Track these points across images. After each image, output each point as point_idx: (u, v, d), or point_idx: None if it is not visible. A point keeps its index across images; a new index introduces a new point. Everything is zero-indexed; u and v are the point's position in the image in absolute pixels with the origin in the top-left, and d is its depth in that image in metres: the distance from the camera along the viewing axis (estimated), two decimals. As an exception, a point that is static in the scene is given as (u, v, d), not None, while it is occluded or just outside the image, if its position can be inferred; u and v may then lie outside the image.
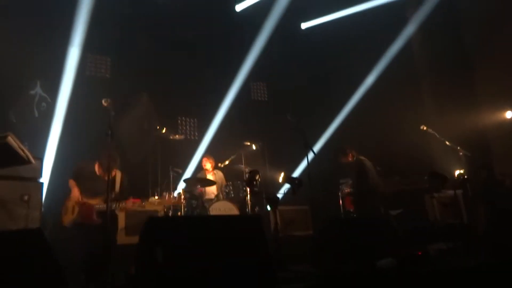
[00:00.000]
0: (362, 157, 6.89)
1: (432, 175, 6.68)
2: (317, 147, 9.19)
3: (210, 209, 6.59)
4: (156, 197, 5.47)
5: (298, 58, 10.01)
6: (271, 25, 9.57)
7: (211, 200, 7.00)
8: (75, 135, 7.16)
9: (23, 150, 3.69)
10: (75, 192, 5.14)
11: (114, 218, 5.26)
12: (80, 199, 5.10)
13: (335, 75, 9.82)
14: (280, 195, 6.41)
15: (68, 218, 5.09)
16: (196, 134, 9.25)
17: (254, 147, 7.82)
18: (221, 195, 7.08)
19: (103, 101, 4.59)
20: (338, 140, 8.00)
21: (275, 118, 8.89)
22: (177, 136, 7.36)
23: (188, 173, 8.14)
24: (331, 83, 9.92)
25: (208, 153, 7.94)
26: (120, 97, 7.37)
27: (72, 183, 5.26)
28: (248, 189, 6.41)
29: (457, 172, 7.39)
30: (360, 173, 6.75)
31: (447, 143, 7.35)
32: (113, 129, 4.57)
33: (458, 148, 7.35)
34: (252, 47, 9.54)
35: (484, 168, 7.89)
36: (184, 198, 6.43)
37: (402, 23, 10.16)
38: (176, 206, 6.33)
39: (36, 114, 7.52)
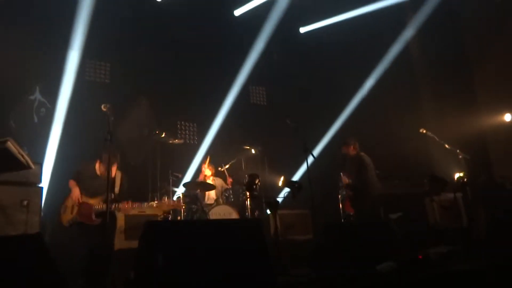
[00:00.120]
0: (363, 153, 6.90)
1: (432, 178, 6.70)
2: (316, 151, 9.19)
3: (210, 213, 6.58)
4: (156, 202, 5.44)
5: (297, 62, 10.03)
6: (270, 30, 9.59)
7: (210, 204, 6.99)
8: (75, 140, 7.16)
9: (22, 155, 3.69)
10: (76, 192, 5.12)
11: (113, 218, 5.24)
12: (80, 199, 5.10)
13: (334, 79, 9.83)
14: (280, 199, 6.41)
15: (67, 218, 5.08)
16: (196, 138, 9.25)
17: (253, 151, 7.83)
18: (220, 200, 7.08)
19: (102, 106, 4.60)
20: (338, 143, 7.97)
21: (275, 122, 8.89)
22: (176, 140, 7.37)
23: (187, 178, 8.13)
24: (330, 87, 9.93)
25: (207, 159, 7.94)
26: (120, 102, 7.38)
27: (72, 183, 5.25)
28: (247, 193, 6.41)
29: (456, 175, 7.39)
30: (359, 167, 6.76)
31: (447, 146, 7.36)
32: (112, 134, 4.58)
33: (458, 151, 7.36)
34: (251, 52, 9.56)
35: (483, 171, 7.90)
36: (184, 203, 6.43)
37: (400, 26, 10.19)
38: (175, 210, 6.31)
39: (36, 119, 7.51)
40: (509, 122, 8.93)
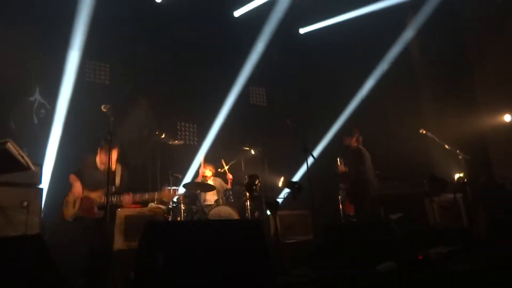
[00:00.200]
0: (364, 148, 6.95)
1: (432, 179, 6.70)
2: (316, 152, 9.19)
3: (210, 214, 6.57)
4: (157, 192, 5.44)
5: (297, 63, 10.03)
6: (270, 30, 9.60)
7: (210, 205, 6.99)
8: (75, 141, 7.15)
9: (22, 156, 3.69)
10: (77, 187, 5.15)
11: (114, 211, 5.24)
12: (81, 193, 5.11)
13: (334, 80, 9.83)
14: (280, 199, 6.40)
15: (70, 212, 5.10)
16: (196, 139, 9.25)
17: (253, 152, 7.82)
18: (220, 200, 7.07)
19: (102, 107, 4.60)
20: (338, 144, 7.98)
21: (274, 123, 8.89)
22: (176, 141, 7.36)
23: (187, 178, 8.13)
24: (330, 88, 9.93)
25: (207, 159, 7.95)
26: (120, 102, 7.37)
27: (73, 177, 5.27)
28: (247, 194, 6.41)
29: (456, 176, 7.40)
30: (357, 158, 6.81)
31: (447, 146, 7.37)
32: (112, 134, 4.60)
33: (458, 151, 7.37)
34: (250, 52, 9.57)
35: (483, 171, 7.91)
36: (184, 203, 6.43)
37: (400, 27, 10.20)
38: (175, 211, 6.31)
39: (35, 120, 7.51)
40: (509, 122, 8.93)
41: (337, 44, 9.70)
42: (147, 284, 2.90)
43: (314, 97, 10.00)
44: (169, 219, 6.04)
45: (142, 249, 3.13)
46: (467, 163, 7.42)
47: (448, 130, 8.32)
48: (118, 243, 5.65)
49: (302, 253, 5.73)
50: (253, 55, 9.57)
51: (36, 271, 2.91)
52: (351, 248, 4.15)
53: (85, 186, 5.18)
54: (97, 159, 5.37)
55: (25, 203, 5.05)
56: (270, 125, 9.32)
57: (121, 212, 5.84)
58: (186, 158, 8.51)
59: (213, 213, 6.59)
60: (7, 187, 4.99)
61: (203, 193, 7.33)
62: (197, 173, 7.91)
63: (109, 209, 4.48)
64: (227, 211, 6.67)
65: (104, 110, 4.59)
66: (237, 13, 9.77)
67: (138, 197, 5.24)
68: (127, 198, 5.18)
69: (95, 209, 5.07)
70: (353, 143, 6.99)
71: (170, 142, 7.15)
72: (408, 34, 10.10)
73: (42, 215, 5.35)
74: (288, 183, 5.71)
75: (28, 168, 3.85)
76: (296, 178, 8.82)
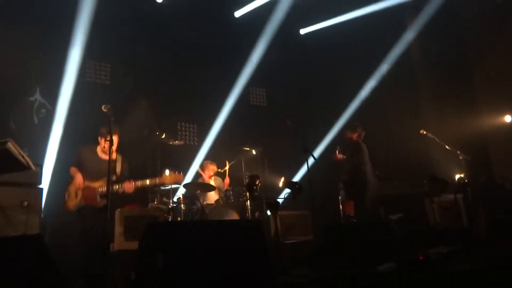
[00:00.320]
0: (363, 143, 6.98)
1: (432, 179, 6.70)
2: (317, 152, 9.18)
3: (210, 214, 6.57)
4: (158, 177, 5.41)
5: (297, 64, 10.03)
6: (270, 31, 9.60)
7: (211, 205, 6.99)
8: (75, 141, 7.14)
9: (23, 156, 3.68)
10: (79, 178, 5.15)
11: (116, 198, 5.25)
12: (83, 184, 5.12)
13: (334, 80, 9.83)
14: (280, 200, 6.40)
15: (72, 203, 5.11)
16: (196, 139, 9.26)
17: (253, 152, 7.82)
18: (221, 201, 7.07)
19: (102, 107, 4.60)
20: (339, 143, 7.98)
21: (275, 124, 8.90)
22: (176, 141, 7.36)
23: (187, 179, 8.14)
24: (330, 88, 9.93)
25: (209, 158, 7.96)
26: (120, 103, 7.37)
27: (73, 170, 5.28)
28: (248, 194, 6.41)
29: (457, 176, 7.40)
30: (356, 150, 6.84)
31: (447, 147, 7.38)
32: (112, 134, 4.60)
33: (458, 152, 7.38)
34: (251, 53, 9.57)
35: (484, 171, 7.90)
36: (184, 203, 6.43)
37: (401, 28, 10.20)
38: (175, 211, 6.31)
39: (36, 120, 7.51)
40: (509, 123, 8.93)
41: (338, 44, 9.70)
42: (148, 285, 2.90)
43: (314, 97, 10.01)
44: (169, 219, 6.05)
45: (142, 249, 3.13)
46: (467, 164, 7.43)
47: (448, 131, 8.32)
48: (119, 243, 5.66)
49: (302, 254, 5.74)
50: (254, 55, 9.57)
51: (36, 271, 2.91)
52: (351, 248, 4.15)
53: (86, 176, 5.19)
54: (98, 148, 5.38)
55: (25, 203, 5.06)
56: (270, 126, 9.32)
57: (121, 213, 5.86)
58: (186, 158, 8.51)
59: (213, 213, 6.59)
60: (7, 187, 4.99)
61: (203, 193, 7.33)
62: (198, 172, 7.92)
63: (112, 198, 4.49)
64: (227, 211, 6.67)
65: (105, 110, 4.58)
66: (237, 14, 9.77)
67: (139, 183, 5.24)
68: (128, 185, 5.18)
69: (98, 198, 5.09)
70: (355, 137, 7.00)
71: (170, 142, 7.15)
72: (408, 35, 10.09)
73: (42, 215, 5.35)
74: (288, 183, 5.71)
75: (29, 168, 3.84)
76: (296, 178, 8.81)
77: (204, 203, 7.17)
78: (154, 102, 8.62)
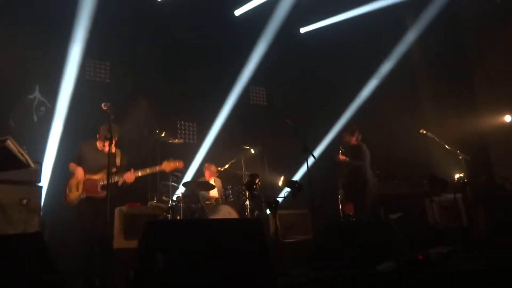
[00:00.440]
0: (364, 145, 6.99)
1: (432, 179, 6.69)
2: (316, 151, 9.17)
3: (209, 213, 6.57)
4: (157, 166, 5.42)
5: (297, 63, 10.01)
6: (270, 30, 9.58)
7: (210, 204, 6.99)
8: (75, 139, 7.13)
9: (22, 154, 3.67)
10: (79, 171, 5.17)
11: (117, 190, 5.28)
12: (83, 177, 5.14)
13: (335, 79, 9.82)
14: (280, 199, 6.40)
15: (74, 196, 5.11)
16: (196, 138, 9.25)
17: (253, 151, 7.81)
18: (220, 199, 7.07)
19: (102, 105, 4.59)
20: (339, 144, 7.98)
21: (275, 123, 8.89)
22: (176, 140, 7.35)
23: (187, 177, 8.13)
24: (330, 87, 9.92)
25: (209, 159, 7.96)
26: (120, 101, 7.35)
27: (73, 165, 5.29)
28: (247, 193, 6.40)
29: (457, 176, 7.39)
30: (357, 154, 6.85)
31: (447, 147, 7.37)
32: (112, 132, 4.60)
33: (458, 152, 7.37)
34: (251, 52, 9.56)
35: (483, 171, 7.90)
36: (183, 202, 6.43)
37: (401, 27, 10.19)
38: (175, 209, 6.31)
39: (35, 118, 7.50)
40: (509, 123, 8.92)
41: (338, 43, 9.68)
42: (147, 283, 2.89)
43: (314, 96, 9.99)
44: (169, 218, 6.05)
45: (142, 248, 3.13)
46: (467, 163, 7.42)
47: (448, 130, 8.32)
48: (118, 241, 5.66)
49: (302, 253, 5.73)
50: (253, 54, 9.56)
51: (36, 269, 2.90)
52: (351, 248, 4.15)
53: (86, 170, 5.20)
54: (97, 142, 5.40)
55: (25, 201, 5.05)
56: (270, 125, 9.31)
57: (120, 211, 5.86)
58: (186, 157, 8.48)
59: (213, 212, 6.59)
60: (6, 184, 4.99)
61: (203, 191, 7.33)
62: (198, 171, 7.91)
63: (113, 190, 4.59)
64: (227, 210, 6.66)
65: (104, 108, 4.57)
66: (237, 12, 9.76)
67: (139, 172, 5.26)
68: (128, 175, 5.20)
69: (99, 189, 5.12)
70: (353, 141, 7.02)
71: (170, 141, 7.14)
72: (408, 34, 10.08)
73: (41, 213, 5.34)
74: (288, 182, 5.70)
75: (28, 165, 3.83)
76: (296, 177, 8.81)
77: (204, 202, 7.17)
78: (154, 100, 8.60)
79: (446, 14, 9.62)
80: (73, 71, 7.61)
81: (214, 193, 7.38)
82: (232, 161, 7.64)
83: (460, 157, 7.37)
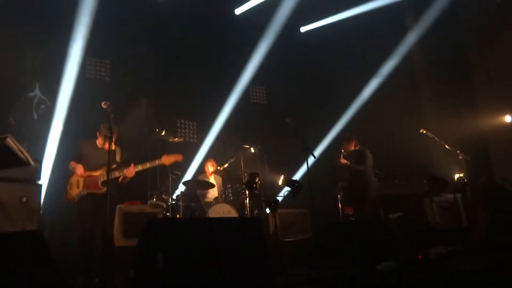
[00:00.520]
0: (366, 149, 7.02)
1: (431, 179, 6.69)
2: (317, 151, 9.16)
3: (209, 211, 6.57)
4: (157, 160, 5.46)
5: (298, 62, 10.00)
6: (271, 28, 9.57)
7: (210, 202, 6.98)
8: (75, 137, 7.12)
9: (22, 151, 3.67)
10: (79, 168, 5.19)
11: (117, 185, 5.32)
12: (84, 174, 5.17)
13: (335, 79, 9.82)
14: (279, 198, 6.40)
15: (75, 192, 5.15)
16: (195, 137, 9.24)
17: (253, 150, 7.81)
18: (220, 198, 7.07)
19: (102, 103, 4.59)
20: (339, 143, 7.99)
21: (275, 122, 8.89)
22: (176, 138, 7.34)
23: (187, 176, 8.13)
24: (331, 87, 9.91)
25: (210, 156, 7.95)
26: (120, 100, 7.35)
27: (73, 163, 5.32)
28: (247, 192, 6.40)
29: (456, 176, 7.39)
30: (360, 157, 6.90)
31: (447, 146, 7.37)
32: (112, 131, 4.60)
33: (458, 152, 7.37)
34: (251, 50, 9.55)
35: (483, 172, 7.90)
36: (183, 201, 6.42)
37: (402, 27, 10.18)
38: (174, 208, 6.30)
39: (35, 116, 7.50)
40: (509, 123, 8.92)
41: (338, 42, 9.69)
42: (147, 282, 2.88)
43: (314, 95, 9.98)
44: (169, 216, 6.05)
45: (142, 247, 3.12)
46: (467, 164, 7.42)
47: (448, 130, 8.31)
48: (118, 240, 5.66)
49: (301, 252, 5.73)
50: (254, 53, 9.55)
51: (35, 267, 2.89)
52: (351, 247, 4.14)
53: (87, 167, 5.23)
54: (98, 141, 5.43)
55: (24, 199, 5.05)
56: (270, 124, 9.31)
57: (120, 209, 5.85)
58: (185, 155, 8.45)
59: (212, 211, 6.59)
60: (6, 182, 4.98)
61: (203, 190, 7.32)
62: (197, 170, 7.90)
63: (113, 185, 4.61)
64: (226, 209, 6.66)
65: (104, 106, 4.57)
66: (238, 11, 9.74)
67: (140, 166, 5.30)
68: (128, 170, 5.23)
69: (100, 184, 5.14)
70: (353, 148, 7.09)
71: (170, 140, 7.13)
72: (409, 34, 10.08)
73: (41, 211, 5.34)
74: (288, 182, 5.70)
75: (28, 163, 3.83)
76: (296, 177, 8.80)
77: (203, 200, 7.17)
78: (154, 99, 8.59)
79: (446, 14, 9.62)
80: (73, 69, 7.61)
81: (214, 191, 7.37)
82: (232, 160, 7.63)
83: (460, 157, 7.37)
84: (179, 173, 7.05)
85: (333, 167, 7.41)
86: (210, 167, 7.52)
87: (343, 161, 6.97)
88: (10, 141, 3.52)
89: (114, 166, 5.13)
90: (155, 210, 6.22)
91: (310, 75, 10.09)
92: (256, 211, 6.94)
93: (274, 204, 5.29)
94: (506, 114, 8.94)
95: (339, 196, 7.70)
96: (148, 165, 5.37)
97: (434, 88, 10.09)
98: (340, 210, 7.66)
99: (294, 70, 9.97)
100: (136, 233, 5.13)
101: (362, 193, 6.79)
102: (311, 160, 6.04)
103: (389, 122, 9.19)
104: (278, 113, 8.83)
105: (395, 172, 7.69)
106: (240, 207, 6.80)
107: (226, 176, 7.71)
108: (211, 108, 9.12)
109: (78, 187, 5.14)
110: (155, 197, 6.61)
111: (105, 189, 4.98)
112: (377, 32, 9.58)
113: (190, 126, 9.29)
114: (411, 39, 10.06)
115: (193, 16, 8.94)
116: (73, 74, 7.58)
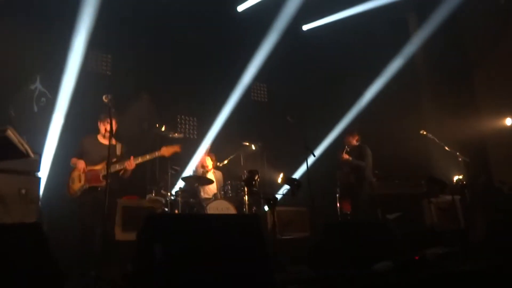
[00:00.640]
0: (366, 146, 7.09)
1: (431, 180, 6.70)
2: (316, 150, 9.15)
3: (208, 207, 6.56)
4: (157, 152, 5.55)
5: (299, 60, 9.99)
6: (273, 26, 9.55)
7: (209, 199, 6.98)
8: (75, 130, 7.13)
9: (22, 143, 3.66)
10: (81, 163, 5.30)
11: (118, 178, 5.39)
12: (85, 168, 5.26)
13: (336, 77, 9.81)
14: (278, 195, 6.40)
15: (77, 187, 5.27)
16: (196, 133, 9.24)
17: (253, 147, 7.81)
18: (219, 194, 7.07)
19: (103, 97, 4.60)
20: (339, 143, 7.99)
21: (275, 119, 8.89)
22: (176, 134, 7.33)
23: (187, 172, 8.12)
24: (332, 85, 9.91)
25: (210, 150, 7.92)
26: (121, 94, 7.34)
27: (74, 159, 5.42)
28: (246, 189, 6.40)
29: (455, 178, 7.40)
30: (360, 153, 6.98)
31: (447, 148, 7.37)
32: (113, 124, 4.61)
33: (457, 153, 7.37)
34: (253, 48, 9.53)
35: (482, 174, 7.90)
36: (182, 196, 6.43)
37: (404, 28, 10.16)
38: (173, 203, 6.31)
39: (36, 109, 7.49)
40: (509, 126, 8.90)
41: (340, 41, 9.66)
42: (145, 277, 2.89)
43: (315, 93, 9.98)
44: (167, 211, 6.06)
45: (141, 242, 3.12)
46: (466, 165, 7.43)
47: (448, 132, 8.30)
48: (117, 234, 5.66)
49: (299, 249, 5.74)
50: (255, 50, 9.53)
51: (33, 259, 2.89)
52: (350, 247, 4.15)
53: (88, 162, 5.33)
54: (99, 136, 5.54)
55: (23, 191, 5.03)
56: (271, 121, 9.30)
57: (119, 203, 5.86)
58: (185, 151, 8.46)
59: (211, 207, 6.59)
60: (5, 174, 4.96)
61: (202, 186, 7.31)
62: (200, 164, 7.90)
63: (114, 178, 4.67)
64: (225, 206, 6.67)
65: (106, 100, 4.59)
66: (240, 8, 9.72)
67: (140, 158, 5.37)
68: (129, 162, 5.31)
69: (101, 177, 5.23)
70: (354, 142, 7.16)
71: (170, 135, 7.13)
72: (411, 35, 10.06)
73: (40, 204, 5.33)
74: (287, 180, 5.71)
75: (28, 155, 3.81)
76: (295, 175, 8.80)
77: (202, 196, 7.16)
78: (155, 94, 8.58)
79: (448, 20, 9.59)
80: (75, 63, 7.58)
81: (213, 187, 7.36)
82: (232, 156, 7.63)
83: (460, 159, 7.37)
84: (178, 168, 7.06)
85: (336, 161, 7.41)
86: (209, 161, 7.47)
87: (346, 156, 6.98)
88: (11, 133, 3.51)
89: (114, 159, 5.16)
90: (154, 205, 6.23)
91: (311, 73, 10.08)
92: (254, 208, 6.95)
93: (272, 202, 5.30)
94: (507, 117, 8.92)
95: (337, 195, 7.69)
96: (148, 157, 5.44)
97: (434, 89, 10.08)
98: (338, 209, 7.66)
99: (296, 68, 9.96)
100: (135, 227, 5.14)
101: (358, 187, 6.88)
102: (310, 159, 6.04)
103: (389, 123, 9.18)
104: (279, 111, 8.82)
105: (394, 172, 7.69)
106: (238, 204, 6.80)
107: (225, 173, 7.70)
108: (211, 105, 9.12)
109: (80, 181, 5.25)
110: (154, 192, 6.61)
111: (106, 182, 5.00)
112: (379, 32, 9.56)
113: (191, 122, 9.29)
114: (413, 39, 10.04)
115: (195, 12, 8.92)
116: (75, 67, 7.56)
